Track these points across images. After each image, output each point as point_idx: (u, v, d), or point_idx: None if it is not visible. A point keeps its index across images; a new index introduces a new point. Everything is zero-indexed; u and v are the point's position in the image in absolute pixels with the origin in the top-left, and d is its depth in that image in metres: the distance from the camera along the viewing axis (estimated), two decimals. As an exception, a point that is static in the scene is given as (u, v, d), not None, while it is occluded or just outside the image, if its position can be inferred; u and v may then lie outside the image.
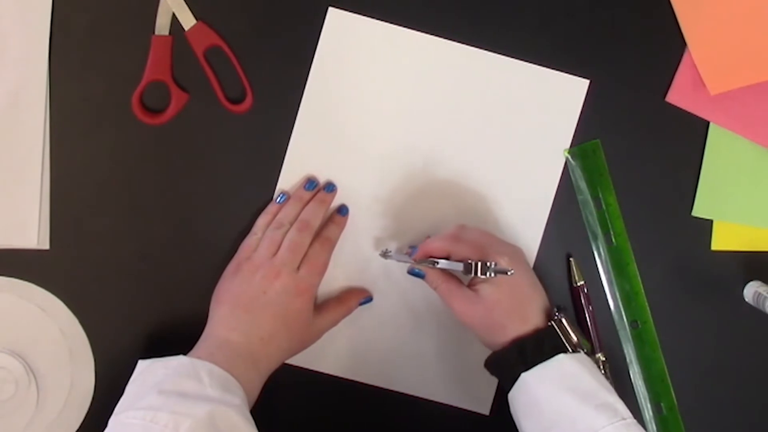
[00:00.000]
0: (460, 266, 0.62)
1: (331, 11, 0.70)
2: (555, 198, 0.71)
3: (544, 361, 0.59)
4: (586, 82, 0.70)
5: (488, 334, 0.63)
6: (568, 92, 0.71)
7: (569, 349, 0.60)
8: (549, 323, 0.61)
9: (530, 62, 0.70)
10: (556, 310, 0.62)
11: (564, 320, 0.61)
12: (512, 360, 0.60)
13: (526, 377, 0.59)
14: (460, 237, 0.64)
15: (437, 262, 0.64)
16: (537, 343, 0.60)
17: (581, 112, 0.71)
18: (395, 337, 0.71)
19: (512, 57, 0.70)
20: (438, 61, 0.70)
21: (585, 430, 0.56)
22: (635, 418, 0.70)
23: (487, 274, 0.61)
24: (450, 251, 0.63)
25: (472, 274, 0.62)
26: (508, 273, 0.61)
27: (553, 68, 0.70)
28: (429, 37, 0.70)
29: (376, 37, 0.70)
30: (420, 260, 0.65)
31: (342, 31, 0.70)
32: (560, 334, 0.61)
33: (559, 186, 0.71)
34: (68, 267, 0.70)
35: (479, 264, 0.61)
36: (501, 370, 0.62)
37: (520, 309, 0.62)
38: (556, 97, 0.71)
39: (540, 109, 0.71)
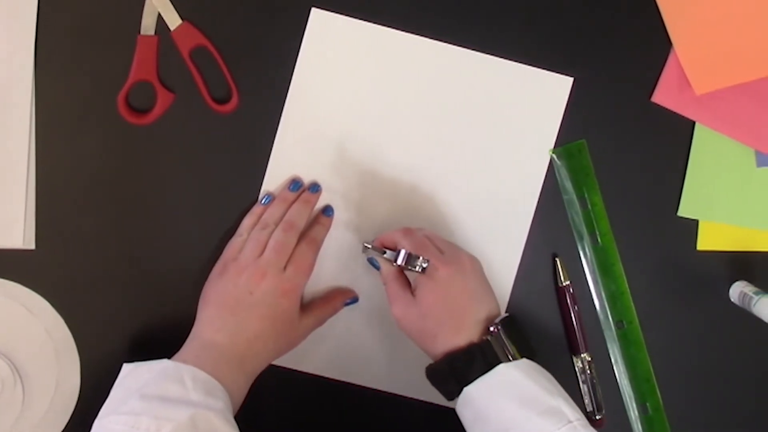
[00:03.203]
0: (393, 255, 0.63)
1: (314, 12, 0.70)
2: (541, 198, 0.71)
3: (481, 375, 0.58)
4: (570, 79, 0.70)
5: (422, 342, 0.62)
6: (552, 90, 0.70)
7: (508, 359, 0.59)
8: (484, 338, 0.59)
9: (515, 61, 0.70)
10: (498, 321, 0.60)
11: (502, 333, 0.59)
12: (444, 375, 0.60)
13: (468, 390, 0.58)
14: (412, 232, 0.64)
15: (385, 252, 0.64)
16: (468, 358, 0.58)
17: (567, 112, 0.71)
18: (381, 337, 0.71)
19: (497, 56, 0.70)
20: (421, 60, 0.70)
21: None
22: (622, 417, 0.71)
23: (416, 267, 0.61)
24: (397, 244, 0.63)
25: (397, 262, 0.62)
26: (416, 268, 0.61)
27: (538, 68, 0.70)
28: (412, 37, 0.70)
29: (360, 38, 0.70)
30: (374, 247, 0.65)
31: (325, 32, 0.70)
32: (497, 349, 0.59)
33: (544, 186, 0.71)
34: (54, 267, 0.70)
35: (408, 254, 0.61)
36: (436, 383, 0.61)
37: (453, 319, 0.60)
38: (541, 96, 0.70)
39: (524, 108, 0.70)
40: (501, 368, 0.58)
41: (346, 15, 0.70)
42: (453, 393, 0.60)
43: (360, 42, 0.70)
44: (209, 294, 0.66)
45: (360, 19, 0.70)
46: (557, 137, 0.71)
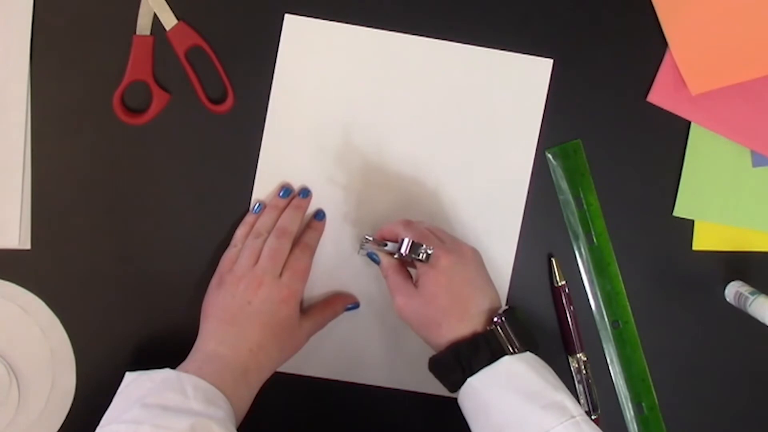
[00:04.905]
0: (395, 247, 0.62)
1: (288, 18, 0.70)
2: (536, 198, 0.71)
3: (486, 365, 0.58)
4: (550, 61, 0.70)
5: (425, 331, 0.62)
6: (533, 74, 0.70)
7: (512, 351, 0.58)
8: (488, 328, 0.59)
9: (500, 50, 0.70)
10: (501, 312, 0.60)
11: (507, 325, 0.59)
12: (449, 365, 0.59)
13: (471, 381, 0.58)
14: (413, 224, 0.64)
15: (386, 245, 0.64)
16: (473, 348, 0.58)
17: (563, 112, 0.71)
18: (381, 333, 0.71)
19: (483, 47, 0.70)
20: (397, 55, 0.70)
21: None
22: (617, 417, 0.71)
23: (420, 255, 0.60)
24: (399, 235, 0.63)
25: (400, 251, 0.61)
26: (421, 255, 0.60)
27: (517, 53, 0.70)
28: (387, 33, 0.70)
29: (335, 39, 0.70)
30: (374, 240, 0.65)
31: (301, 37, 0.70)
32: (500, 340, 0.59)
33: (540, 186, 0.71)
34: (49, 267, 0.70)
35: (411, 242, 0.61)
36: (440, 374, 0.61)
37: (457, 307, 0.60)
38: (522, 80, 0.70)
39: (507, 94, 0.70)
40: (506, 360, 0.58)
41: (320, 18, 0.70)
42: (457, 383, 0.59)
43: (336, 43, 0.70)
44: (208, 307, 0.66)
45: (334, 20, 0.70)
46: (551, 136, 0.71)
